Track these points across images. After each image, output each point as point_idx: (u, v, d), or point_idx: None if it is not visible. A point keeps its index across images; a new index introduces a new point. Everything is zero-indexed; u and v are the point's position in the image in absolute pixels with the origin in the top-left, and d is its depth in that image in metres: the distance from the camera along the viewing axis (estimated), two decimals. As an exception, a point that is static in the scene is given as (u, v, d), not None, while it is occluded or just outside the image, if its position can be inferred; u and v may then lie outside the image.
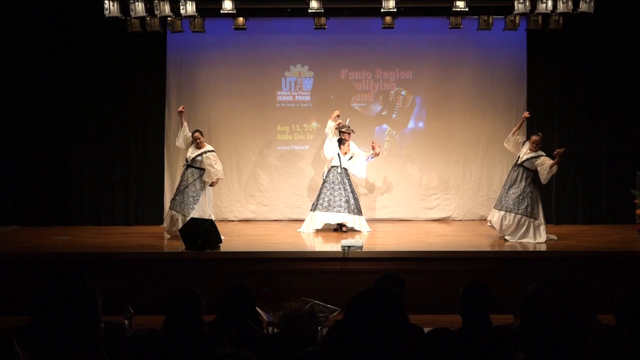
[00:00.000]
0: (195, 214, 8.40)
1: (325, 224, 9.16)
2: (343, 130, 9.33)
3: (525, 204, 8.30)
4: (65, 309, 1.91)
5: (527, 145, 8.45)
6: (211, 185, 8.77)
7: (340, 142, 9.33)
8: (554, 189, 10.19)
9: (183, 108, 8.94)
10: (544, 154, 8.34)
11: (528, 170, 8.37)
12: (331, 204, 9.11)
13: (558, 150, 8.27)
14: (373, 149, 9.35)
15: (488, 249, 8.14)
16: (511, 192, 8.40)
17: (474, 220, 10.49)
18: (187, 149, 8.84)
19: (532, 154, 8.34)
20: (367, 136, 10.56)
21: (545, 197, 8.98)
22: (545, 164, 8.20)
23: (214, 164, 8.64)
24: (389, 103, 10.69)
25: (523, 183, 8.36)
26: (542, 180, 8.31)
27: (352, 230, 9.15)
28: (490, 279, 4.75)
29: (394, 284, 4.43)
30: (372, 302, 1.81)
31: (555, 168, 8.23)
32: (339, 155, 9.26)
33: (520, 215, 8.29)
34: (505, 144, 8.82)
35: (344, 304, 1.94)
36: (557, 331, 1.77)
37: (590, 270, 7.22)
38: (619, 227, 9.74)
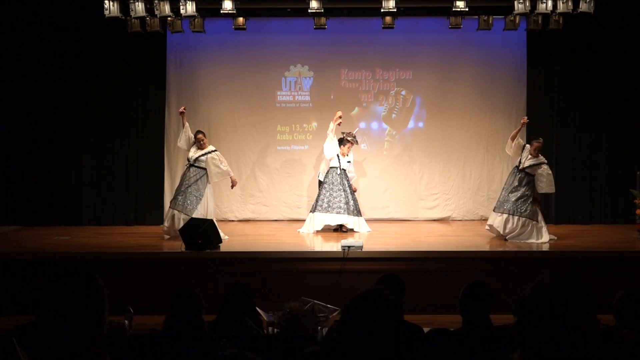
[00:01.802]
0: (198, 214, 8.40)
1: (325, 225, 9.16)
2: (349, 139, 9.32)
3: (527, 206, 8.30)
4: (73, 308, 1.88)
5: (528, 149, 8.44)
6: (232, 187, 8.98)
7: (341, 141, 9.32)
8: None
9: (184, 109, 8.95)
10: (545, 162, 8.37)
11: (529, 175, 8.38)
12: (330, 205, 9.11)
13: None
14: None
15: (488, 249, 8.14)
16: (512, 195, 8.39)
17: (474, 220, 10.48)
18: (188, 150, 8.84)
19: (534, 161, 8.35)
20: (367, 137, 10.57)
21: (545, 197, 8.98)
22: (544, 186, 8.25)
23: (220, 164, 8.66)
24: (389, 103, 10.69)
25: (524, 187, 8.37)
26: (538, 189, 8.31)
27: (352, 230, 9.15)
28: (490, 279, 4.74)
29: (394, 284, 4.43)
30: (366, 306, 1.85)
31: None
32: (338, 156, 9.25)
33: (524, 218, 8.30)
34: (506, 151, 8.82)
35: (344, 304, 1.95)
36: (555, 330, 1.77)
37: (590, 270, 7.23)
38: (619, 227, 9.74)
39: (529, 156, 8.39)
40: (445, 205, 10.63)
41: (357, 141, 9.50)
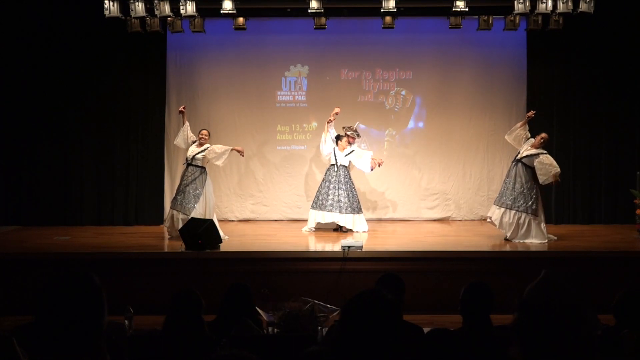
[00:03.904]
0: (196, 213, 8.40)
1: (317, 223, 9.16)
2: (348, 133, 9.30)
3: (526, 201, 8.25)
4: (72, 308, 1.88)
5: (530, 142, 8.38)
6: (242, 155, 9.17)
7: (339, 137, 9.29)
8: (553, 188, 10.14)
9: (184, 108, 8.96)
10: (546, 152, 8.25)
11: (527, 167, 8.30)
12: (324, 202, 9.12)
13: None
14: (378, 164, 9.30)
15: (488, 249, 8.12)
16: (512, 188, 8.35)
17: (474, 220, 10.48)
18: (186, 149, 8.86)
19: (533, 151, 8.27)
20: (367, 136, 10.57)
21: (545, 197, 8.96)
22: (543, 175, 8.12)
23: (218, 149, 8.71)
24: (389, 103, 10.69)
25: (523, 179, 8.28)
26: (540, 181, 8.24)
27: (351, 230, 9.13)
28: (490, 279, 4.74)
29: (394, 284, 4.43)
30: (366, 306, 1.85)
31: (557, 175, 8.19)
32: (334, 152, 9.24)
33: (520, 213, 8.26)
34: (506, 137, 8.66)
35: (344, 304, 1.95)
36: (553, 329, 1.77)
37: (590, 270, 7.23)
38: (619, 227, 9.74)
39: (529, 147, 8.34)
40: (445, 205, 10.63)
41: (357, 134, 9.44)
